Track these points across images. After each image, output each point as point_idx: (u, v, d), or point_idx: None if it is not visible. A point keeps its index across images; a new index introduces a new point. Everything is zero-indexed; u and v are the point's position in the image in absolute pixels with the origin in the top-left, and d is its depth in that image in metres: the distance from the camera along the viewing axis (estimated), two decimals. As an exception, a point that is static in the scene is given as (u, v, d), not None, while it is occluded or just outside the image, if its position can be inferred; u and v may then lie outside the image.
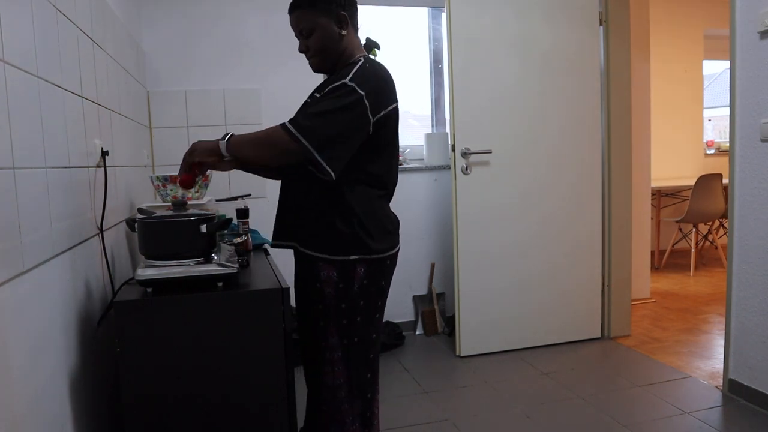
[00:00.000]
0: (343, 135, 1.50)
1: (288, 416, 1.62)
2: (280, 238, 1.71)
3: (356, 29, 1.72)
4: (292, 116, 1.55)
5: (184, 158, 1.54)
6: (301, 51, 1.68)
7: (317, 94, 1.61)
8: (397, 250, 1.71)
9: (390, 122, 1.61)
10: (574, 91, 3.20)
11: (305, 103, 1.68)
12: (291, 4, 1.64)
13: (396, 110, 1.64)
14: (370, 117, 1.53)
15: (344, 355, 1.64)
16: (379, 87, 1.57)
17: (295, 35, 1.67)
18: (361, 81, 1.52)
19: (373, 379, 1.71)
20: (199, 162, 1.55)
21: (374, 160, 1.61)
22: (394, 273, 1.72)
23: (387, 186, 1.67)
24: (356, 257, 1.59)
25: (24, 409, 1.15)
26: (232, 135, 1.52)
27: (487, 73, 3.06)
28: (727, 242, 2.54)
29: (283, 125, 1.49)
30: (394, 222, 1.70)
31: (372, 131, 1.55)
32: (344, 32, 1.64)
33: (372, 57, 1.70)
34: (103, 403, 1.75)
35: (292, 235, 1.67)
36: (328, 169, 1.48)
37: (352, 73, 1.54)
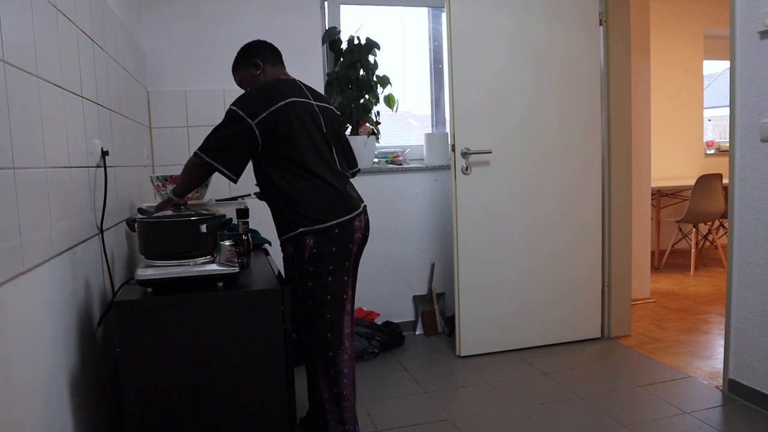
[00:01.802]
0: (232, 144, 1.83)
1: (288, 415, 1.62)
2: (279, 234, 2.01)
3: (275, 63, 2.11)
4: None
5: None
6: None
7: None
8: (347, 219, 1.92)
9: (282, 118, 1.87)
10: (575, 91, 3.20)
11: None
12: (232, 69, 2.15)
13: (283, 107, 1.88)
14: (250, 121, 1.83)
15: (303, 319, 1.90)
16: (253, 97, 1.93)
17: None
18: (239, 100, 1.89)
19: (334, 339, 1.91)
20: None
21: (287, 149, 1.88)
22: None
23: (309, 168, 1.90)
24: (303, 230, 1.86)
25: (24, 409, 1.15)
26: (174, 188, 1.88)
27: (487, 73, 3.06)
28: (727, 242, 2.54)
29: (194, 153, 1.84)
30: (334, 197, 1.93)
31: (264, 131, 1.84)
32: (259, 72, 2.08)
33: (286, 78, 2.07)
34: (103, 403, 1.75)
35: (277, 229, 1.98)
36: (230, 174, 1.83)
37: (236, 99, 1.91)
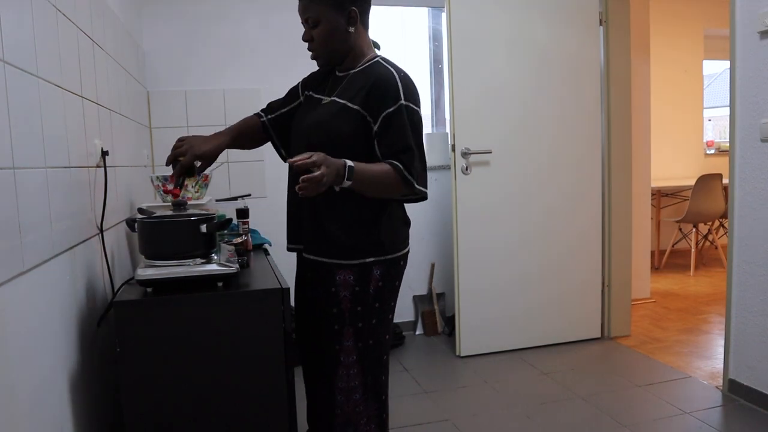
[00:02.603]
0: (424, 153, 1.59)
1: (288, 416, 1.62)
2: (295, 242, 1.73)
3: (366, 27, 1.68)
4: (399, 157, 1.53)
5: (312, 166, 1.40)
6: (304, 39, 1.63)
7: (348, 104, 1.58)
8: (408, 250, 1.71)
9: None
10: (575, 91, 3.20)
11: (333, 108, 1.61)
12: None
13: None
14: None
15: (359, 358, 1.64)
16: (418, 96, 1.65)
17: (301, 22, 1.61)
18: (412, 98, 1.59)
19: (386, 381, 1.71)
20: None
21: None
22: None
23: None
24: (372, 260, 1.59)
25: (24, 409, 1.15)
26: (353, 166, 1.47)
27: (487, 73, 3.06)
28: (727, 242, 2.54)
29: (399, 171, 1.51)
30: (405, 223, 1.71)
31: None
32: (352, 29, 1.61)
33: (383, 58, 1.68)
34: (103, 403, 1.75)
35: (309, 242, 1.66)
36: (425, 192, 1.57)
37: (400, 88, 1.57)
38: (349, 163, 1.46)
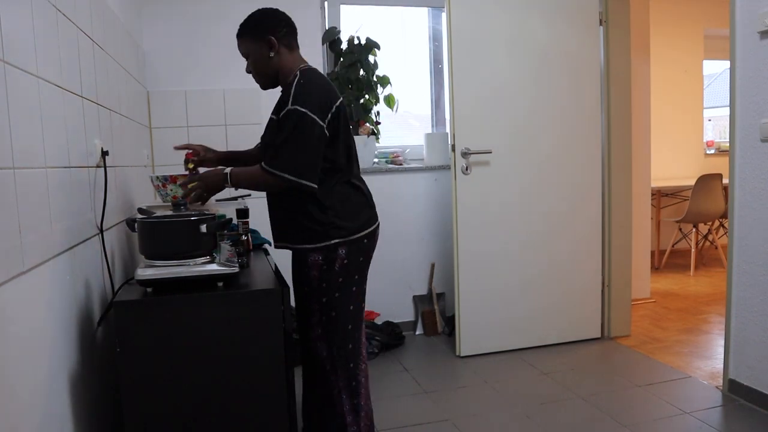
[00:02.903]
0: (309, 152, 1.73)
1: (288, 415, 1.62)
2: (278, 241, 1.91)
3: (291, 48, 1.89)
4: (269, 153, 1.77)
5: (194, 188, 1.78)
6: (246, 71, 1.94)
7: (273, 116, 1.86)
8: (374, 228, 1.91)
9: (337, 118, 1.80)
10: (575, 91, 3.20)
11: (268, 127, 1.93)
12: (237, 33, 1.93)
13: (340, 106, 1.82)
14: (322, 124, 1.74)
15: (324, 331, 1.84)
16: (319, 96, 1.76)
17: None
18: (302, 100, 1.72)
19: (354, 349, 1.88)
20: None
21: (331, 152, 1.79)
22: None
23: (348, 173, 1.86)
24: (336, 241, 1.80)
25: (24, 409, 1.15)
26: (231, 171, 1.77)
27: (487, 73, 3.06)
28: (727, 242, 2.54)
29: (262, 167, 1.73)
30: (368, 206, 1.91)
31: (329, 132, 1.76)
32: (272, 54, 1.84)
33: (306, 67, 1.86)
34: (103, 403, 1.75)
35: (286, 237, 1.87)
36: (310, 185, 1.73)
37: (291, 95, 1.74)
38: (227, 170, 1.77)
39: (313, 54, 3.25)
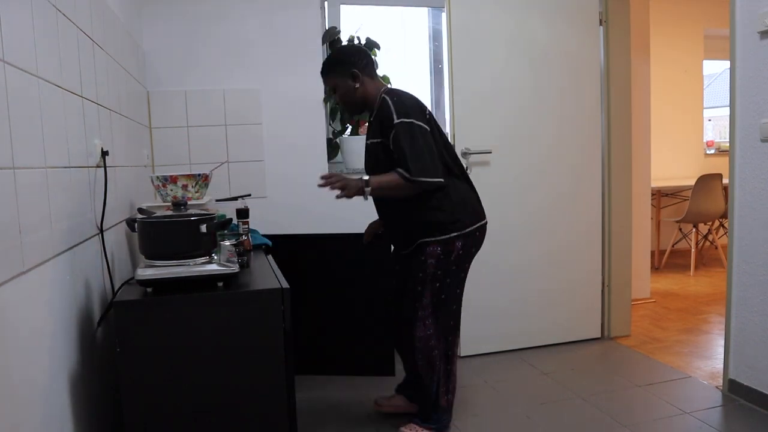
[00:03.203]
0: (429, 153, 1.99)
1: (288, 415, 1.62)
2: (404, 248, 2.19)
3: (372, 77, 2.17)
4: (401, 165, 1.99)
5: (344, 188, 1.99)
6: (335, 103, 2.40)
7: (370, 141, 2.14)
8: (485, 223, 2.21)
9: (431, 122, 2.08)
10: (575, 91, 3.20)
11: (367, 152, 2.18)
12: (321, 71, 2.20)
13: (430, 114, 2.11)
14: (426, 127, 2.02)
15: (434, 311, 2.14)
16: (413, 104, 2.05)
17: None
18: (404, 112, 1.99)
19: (455, 325, 2.22)
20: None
21: (444, 150, 2.09)
22: None
23: (460, 171, 2.15)
24: (455, 234, 2.08)
25: (24, 408, 1.15)
26: (369, 180, 2.00)
27: (487, 73, 3.06)
28: (727, 242, 2.54)
29: (402, 176, 1.97)
30: (476, 200, 2.19)
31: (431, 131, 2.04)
32: (358, 85, 2.12)
33: (389, 88, 2.13)
34: (103, 403, 1.75)
35: (409, 240, 2.13)
36: (439, 181, 2.00)
37: (393, 111, 2.00)
38: (365, 177, 2.00)
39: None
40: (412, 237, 2.12)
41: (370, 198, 2.04)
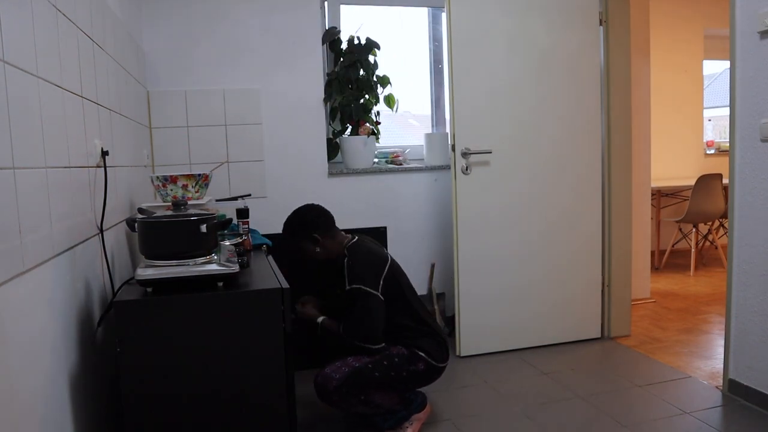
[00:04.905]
0: (375, 319, 2.15)
1: (288, 415, 1.62)
2: None
3: (333, 236, 2.31)
4: (346, 325, 2.19)
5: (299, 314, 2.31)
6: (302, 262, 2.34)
7: (339, 291, 2.27)
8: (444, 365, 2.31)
9: (389, 279, 2.21)
10: (575, 91, 3.20)
11: (340, 297, 2.30)
12: (283, 234, 2.32)
13: (389, 266, 2.25)
14: (377, 294, 2.16)
15: (353, 372, 2.15)
16: (367, 267, 2.19)
17: None
18: (354, 278, 2.16)
19: (364, 392, 2.21)
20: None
21: (393, 315, 2.22)
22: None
23: (417, 323, 2.27)
24: (429, 361, 2.24)
25: (24, 409, 1.15)
26: (322, 322, 2.27)
27: (487, 73, 3.06)
28: (727, 242, 2.54)
29: (342, 331, 2.18)
30: (439, 346, 2.28)
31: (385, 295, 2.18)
32: (318, 249, 2.28)
33: (350, 244, 2.28)
34: (103, 403, 1.75)
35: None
36: (376, 347, 2.17)
37: (347, 277, 2.17)
38: (319, 319, 2.28)
39: (313, 54, 3.25)
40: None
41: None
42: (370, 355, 2.17)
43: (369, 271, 2.19)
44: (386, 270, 2.22)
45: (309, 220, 2.28)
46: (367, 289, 2.14)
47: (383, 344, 2.17)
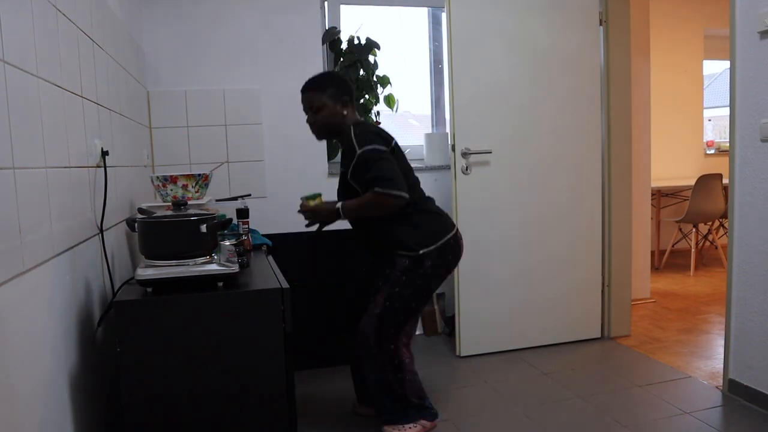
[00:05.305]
0: (393, 171, 2.04)
1: (288, 415, 1.62)
2: (380, 254, 2.26)
3: (355, 109, 2.23)
4: (372, 184, 2.04)
5: (308, 217, 2.19)
6: (308, 122, 2.20)
7: (343, 170, 2.17)
8: (449, 239, 2.18)
9: (397, 153, 2.14)
10: (575, 91, 3.20)
11: (340, 182, 2.22)
12: (305, 85, 2.18)
13: (396, 145, 2.17)
14: (387, 151, 2.07)
15: (381, 311, 2.12)
16: (377, 135, 2.10)
17: (304, 109, 2.20)
18: (365, 141, 2.05)
19: (395, 335, 2.17)
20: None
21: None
22: None
23: (418, 195, 2.21)
24: (421, 252, 2.12)
25: (24, 408, 1.15)
26: (341, 205, 2.09)
27: (487, 73, 3.06)
28: (727, 242, 2.54)
29: (375, 192, 2.02)
30: (437, 222, 2.21)
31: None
32: (345, 112, 2.17)
33: (358, 121, 2.22)
34: (103, 403, 1.75)
35: (386, 247, 2.20)
36: (404, 195, 2.04)
37: (355, 144, 2.06)
38: (338, 204, 2.10)
39: (313, 54, 3.25)
40: (383, 253, 2.22)
41: (399, 225, 2.15)
42: (382, 298, 2.13)
43: (378, 137, 2.10)
44: (393, 144, 2.15)
45: (347, 83, 2.22)
46: (380, 148, 2.05)
47: (408, 196, 2.05)
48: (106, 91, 1.97)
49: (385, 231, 2.15)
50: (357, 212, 2.11)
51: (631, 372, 2.85)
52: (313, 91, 2.16)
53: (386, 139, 2.13)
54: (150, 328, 1.51)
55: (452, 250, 2.21)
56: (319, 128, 2.19)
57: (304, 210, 2.17)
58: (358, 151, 2.04)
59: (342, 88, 2.17)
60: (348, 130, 2.13)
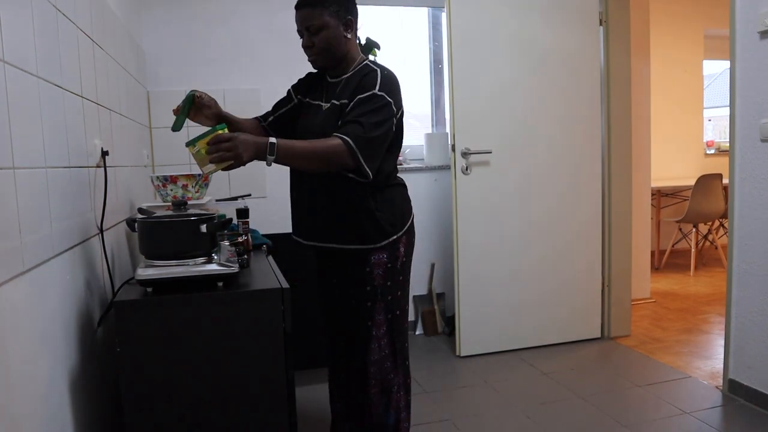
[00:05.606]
0: (383, 143, 1.69)
1: (288, 416, 1.62)
2: (316, 240, 1.85)
3: (356, 36, 1.85)
4: (345, 129, 1.63)
5: (223, 148, 1.51)
6: (305, 46, 1.77)
7: (344, 101, 1.72)
8: (412, 218, 1.94)
9: (400, 124, 1.80)
10: (575, 91, 3.20)
11: (330, 112, 1.77)
12: (300, 0, 1.74)
13: (403, 111, 1.81)
14: (394, 122, 1.71)
15: (389, 329, 1.84)
16: (397, 93, 1.73)
17: (299, 30, 1.76)
18: (387, 89, 1.68)
19: (407, 347, 1.91)
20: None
21: (387, 159, 1.77)
22: None
23: (394, 176, 1.89)
24: (397, 236, 1.81)
25: (24, 409, 1.15)
26: (277, 142, 1.55)
27: (487, 73, 3.06)
28: (727, 242, 2.54)
29: (345, 142, 1.59)
30: (407, 201, 1.93)
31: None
32: (349, 36, 1.77)
33: (372, 58, 1.79)
34: (103, 403, 1.75)
35: (333, 237, 1.81)
36: (369, 173, 1.65)
37: (378, 82, 1.68)
38: (272, 139, 1.55)
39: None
40: (350, 238, 1.79)
41: (373, 199, 1.77)
42: (381, 315, 1.81)
43: (398, 94, 1.74)
44: (400, 114, 1.78)
45: (352, 2, 1.77)
46: (393, 109, 1.68)
47: (371, 178, 1.68)
48: (106, 91, 1.97)
49: (355, 205, 1.74)
50: (299, 155, 1.59)
51: (631, 372, 2.85)
52: (311, 6, 1.71)
53: (401, 102, 1.76)
54: (150, 328, 1.50)
55: (414, 231, 1.95)
56: (320, 52, 1.75)
57: (221, 140, 1.52)
58: (376, 91, 1.65)
59: (346, 5, 1.74)
60: (360, 64, 1.77)
